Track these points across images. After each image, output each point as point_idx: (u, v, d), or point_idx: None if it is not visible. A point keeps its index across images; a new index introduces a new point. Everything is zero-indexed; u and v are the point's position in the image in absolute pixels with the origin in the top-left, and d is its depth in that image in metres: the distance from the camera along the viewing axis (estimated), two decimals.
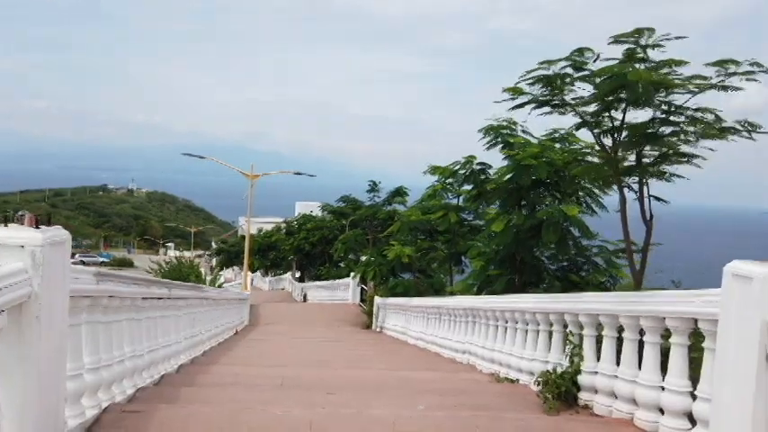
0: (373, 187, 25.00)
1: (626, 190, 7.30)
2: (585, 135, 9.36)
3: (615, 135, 7.20)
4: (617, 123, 7.10)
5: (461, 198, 15.16)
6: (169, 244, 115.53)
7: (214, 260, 71.37)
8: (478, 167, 11.72)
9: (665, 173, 7.22)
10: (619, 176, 7.19)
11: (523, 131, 10.98)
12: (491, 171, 11.67)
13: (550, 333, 6.66)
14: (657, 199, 7.24)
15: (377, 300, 18.79)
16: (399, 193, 24.13)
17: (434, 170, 14.92)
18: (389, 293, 18.56)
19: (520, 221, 9.71)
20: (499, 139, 10.79)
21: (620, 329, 5.30)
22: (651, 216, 7.09)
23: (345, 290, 27.53)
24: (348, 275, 26.37)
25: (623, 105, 6.85)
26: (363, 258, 20.80)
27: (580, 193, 10.11)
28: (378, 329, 18.30)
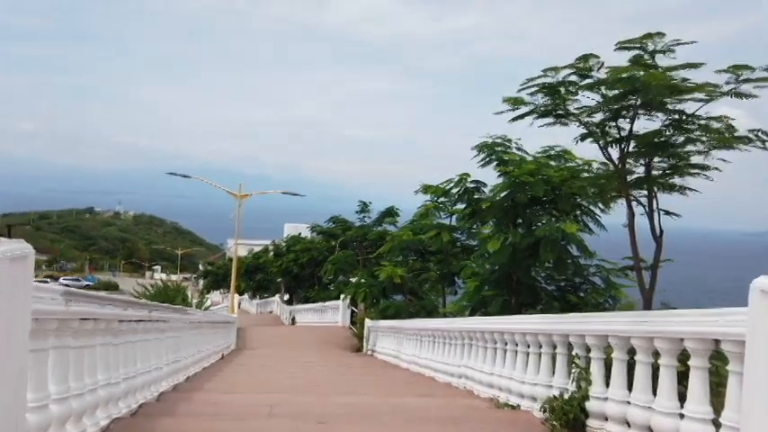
0: (363, 208, 24.67)
1: (633, 204, 7.03)
2: (583, 152, 9.15)
3: (622, 146, 6.94)
4: (624, 134, 6.85)
5: (454, 217, 14.89)
6: (156, 267, 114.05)
7: (201, 283, 70.41)
8: (472, 185, 11.46)
9: (676, 185, 6.96)
10: (627, 189, 6.92)
11: (518, 149, 10.77)
12: (485, 189, 11.42)
13: (554, 356, 6.34)
14: (667, 213, 6.97)
15: (367, 322, 18.35)
16: (390, 213, 23.81)
17: (426, 189, 14.67)
18: (380, 315, 18.14)
19: (516, 240, 9.41)
20: (493, 157, 10.55)
21: (630, 352, 5.00)
22: (661, 231, 6.81)
23: (335, 312, 27.01)
24: (338, 297, 25.88)
25: (632, 113, 6.59)
26: (353, 280, 20.40)
27: (577, 212, 9.87)
28: (369, 353, 17.82)
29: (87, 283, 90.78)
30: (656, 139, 6.52)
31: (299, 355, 15.65)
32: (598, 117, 6.99)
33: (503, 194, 9.91)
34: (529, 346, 6.78)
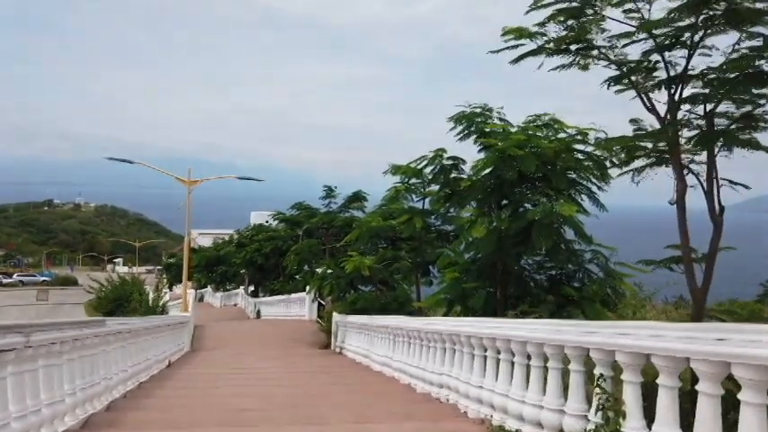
0: (329, 193, 23.02)
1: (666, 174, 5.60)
2: (581, 119, 7.75)
3: (673, 89, 5.41)
4: (668, 74, 5.30)
5: (428, 200, 13.48)
6: (117, 259, 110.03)
7: (165, 276, 67.96)
8: (449, 163, 10.00)
9: (753, 142, 5.43)
10: (678, 152, 5.43)
11: (501, 119, 9.36)
12: (464, 167, 10.00)
13: (566, 371, 4.99)
14: (733, 184, 5.55)
15: (335, 317, 16.91)
16: (358, 198, 22.23)
17: (396, 170, 13.20)
18: (349, 309, 16.70)
19: (504, 225, 8.03)
20: (473, 128, 9.12)
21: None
22: (722, 209, 5.39)
23: (301, 305, 25.47)
24: (304, 289, 24.33)
25: (696, 38, 5.03)
26: (319, 271, 18.85)
27: (571, 190, 8.51)
28: (337, 350, 16.41)
29: (44, 278, 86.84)
30: (737, 72, 4.91)
31: (260, 358, 14.11)
32: (635, 52, 5.49)
33: (486, 172, 8.49)
34: (530, 358, 5.41)
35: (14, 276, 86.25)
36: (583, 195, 8.74)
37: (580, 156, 8.32)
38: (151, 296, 30.31)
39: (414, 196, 14.08)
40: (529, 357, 5.47)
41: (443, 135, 10.74)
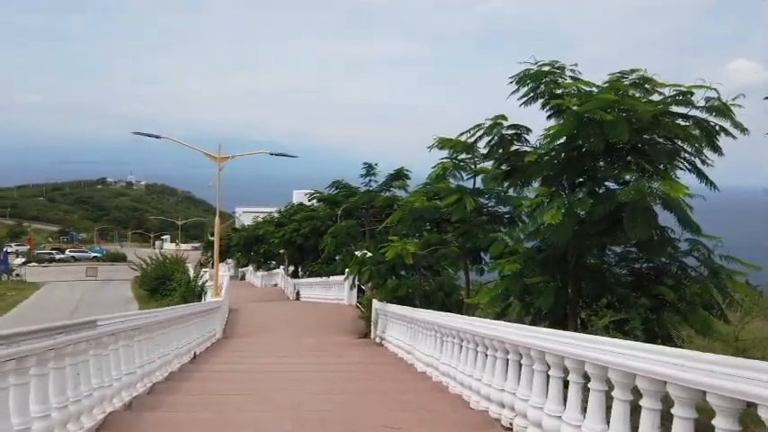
0: (369, 171, 21.61)
1: None
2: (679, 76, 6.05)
3: None
4: None
5: (479, 178, 11.87)
6: (165, 236, 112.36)
7: (209, 253, 68.58)
8: (511, 132, 8.34)
9: None
10: None
11: (574, 78, 7.65)
12: (528, 137, 8.33)
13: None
14: None
15: (375, 304, 15.64)
16: (400, 176, 20.75)
17: (444, 144, 11.64)
18: (390, 296, 15.39)
19: (585, 208, 6.45)
20: (541, 89, 7.46)
21: None
22: None
23: (340, 289, 24.36)
24: (343, 272, 23.20)
25: None
26: (359, 254, 17.55)
27: (668, 165, 6.78)
28: (377, 340, 15.17)
29: (95, 254, 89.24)
30: None
31: (292, 352, 12.97)
32: None
33: (560, 141, 6.86)
34: (654, 399, 3.88)
35: (67, 252, 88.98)
36: (677, 172, 7.01)
37: (681, 121, 6.59)
38: (191, 275, 29.79)
39: (463, 174, 12.46)
40: (650, 396, 3.96)
41: (492, 111, 9.09)
